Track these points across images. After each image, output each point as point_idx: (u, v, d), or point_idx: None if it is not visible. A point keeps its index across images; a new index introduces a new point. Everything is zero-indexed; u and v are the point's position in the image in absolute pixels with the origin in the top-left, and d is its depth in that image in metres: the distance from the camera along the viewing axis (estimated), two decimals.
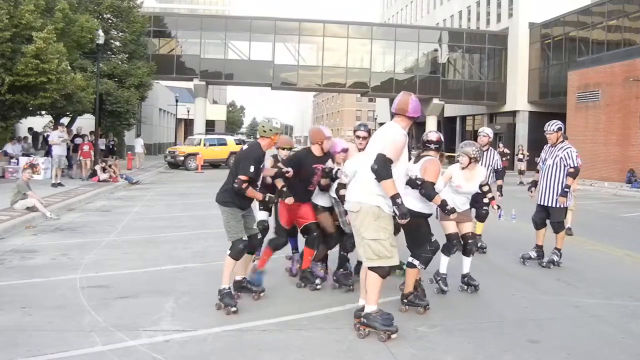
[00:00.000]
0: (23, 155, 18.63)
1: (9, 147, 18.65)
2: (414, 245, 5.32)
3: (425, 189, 5.04)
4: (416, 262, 5.30)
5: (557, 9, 33.58)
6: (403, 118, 4.78)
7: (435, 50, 39.94)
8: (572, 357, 4.35)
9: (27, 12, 16.12)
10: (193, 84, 37.40)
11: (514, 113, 37.58)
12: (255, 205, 6.03)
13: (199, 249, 8.05)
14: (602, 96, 26.33)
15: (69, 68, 18.08)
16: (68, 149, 18.14)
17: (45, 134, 21.50)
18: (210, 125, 52.06)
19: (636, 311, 5.60)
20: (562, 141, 7.44)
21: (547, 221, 7.49)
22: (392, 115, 4.88)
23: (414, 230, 5.19)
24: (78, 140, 19.44)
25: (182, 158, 27.63)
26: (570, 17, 33.24)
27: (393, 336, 4.55)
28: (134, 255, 7.56)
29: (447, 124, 45.13)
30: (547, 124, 7.53)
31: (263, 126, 5.40)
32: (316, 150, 6.05)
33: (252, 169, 5.16)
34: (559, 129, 7.41)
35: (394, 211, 4.52)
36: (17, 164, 17.40)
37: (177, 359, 4.11)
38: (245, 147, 5.52)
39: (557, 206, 7.31)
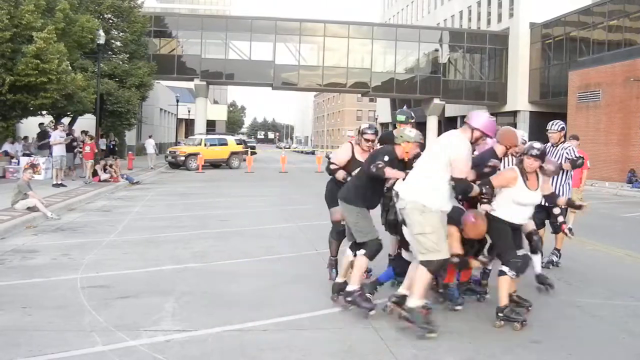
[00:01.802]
0: (24, 155, 18.63)
1: (8, 147, 18.64)
2: (500, 251, 5.11)
3: (458, 185, 4.80)
4: (506, 269, 4.99)
5: (558, 9, 33.58)
6: (466, 128, 4.91)
7: (436, 50, 39.95)
8: (573, 357, 4.35)
9: (27, 12, 16.13)
10: (194, 84, 37.45)
11: (514, 113, 37.58)
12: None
13: (200, 249, 8.04)
14: (602, 96, 26.32)
15: (70, 68, 18.09)
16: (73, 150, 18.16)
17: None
18: (211, 125, 52.13)
19: (637, 311, 5.59)
20: (564, 141, 7.43)
21: (547, 221, 7.47)
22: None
23: (496, 235, 5.06)
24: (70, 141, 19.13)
25: (182, 158, 27.64)
26: (571, 17, 33.24)
27: (431, 335, 4.57)
28: (134, 255, 7.55)
29: (447, 124, 45.06)
30: (551, 123, 7.45)
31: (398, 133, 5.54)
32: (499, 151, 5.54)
33: (386, 158, 5.14)
34: (562, 129, 7.39)
35: (482, 190, 4.91)
36: (18, 164, 17.40)
37: (178, 359, 4.10)
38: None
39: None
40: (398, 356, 4.23)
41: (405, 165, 5.41)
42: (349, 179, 5.81)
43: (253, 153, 36.31)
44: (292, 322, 4.94)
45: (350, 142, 6.17)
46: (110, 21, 26.97)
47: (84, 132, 20.03)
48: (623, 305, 5.77)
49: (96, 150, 18.39)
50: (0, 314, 4.95)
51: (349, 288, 5.23)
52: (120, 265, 6.93)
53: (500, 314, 4.95)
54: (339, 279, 5.62)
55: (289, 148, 75.56)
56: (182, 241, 8.62)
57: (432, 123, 39.38)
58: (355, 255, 5.38)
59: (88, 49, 21.13)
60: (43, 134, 19.35)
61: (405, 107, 6.77)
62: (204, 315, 5.06)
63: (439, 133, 42.63)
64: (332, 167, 6.10)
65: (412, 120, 6.14)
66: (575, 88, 28.40)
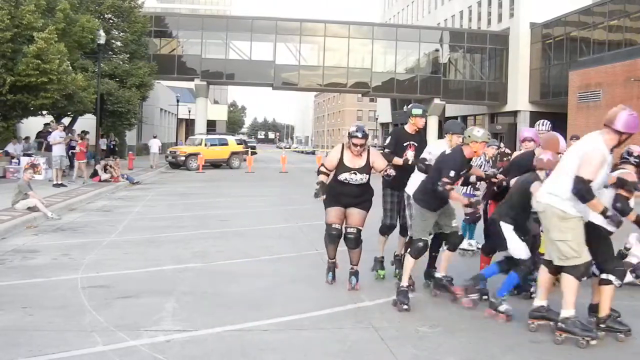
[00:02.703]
0: (24, 155, 18.62)
1: (10, 147, 18.64)
2: (602, 259, 4.89)
3: (621, 204, 4.70)
4: (612, 278, 4.84)
5: (558, 9, 33.56)
6: (609, 131, 4.65)
7: (437, 50, 39.94)
8: (573, 357, 4.35)
9: (28, 12, 16.14)
10: (194, 84, 37.44)
11: (515, 113, 37.57)
12: None
13: (200, 249, 8.05)
14: (603, 96, 26.30)
15: (70, 68, 18.10)
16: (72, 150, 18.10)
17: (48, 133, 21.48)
18: (211, 125, 52.09)
19: (637, 311, 5.59)
20: None
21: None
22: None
23: (599, 242, 4.85)
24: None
25: (183, 158, 27.65)
26: (571, 17, 33.23)
27: (592, 342, 4.48)
28: (135, 255, 7.55)
29: None
30: (539, 123, 6.93)
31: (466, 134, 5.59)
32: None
33: (452, 173, 5.25)
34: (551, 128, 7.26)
35: (609, 223, 4.61)
36: (19, 164, 17.40)
37: (178, 359, 4.10)
38: (448, 150, 5.68)
39: None
40: (398, 356, 4.23)
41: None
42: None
43: (253, 153, 36.30)
44: (293, 322, 4.94)
45: (342, 144, 5.99)
46: (111, 21, 26.97)
47: (71, 130, 19.58)
48: (624, 305, 5.75)
49: (85, 150, 17.85)
50: (1, 314, 4.96)
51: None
52: (121, 265, 6.93)
53: (602, 325, 4.77)
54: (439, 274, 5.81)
55: (289, 148, 75.55)
56: (183, 241, 8.62)
57: (432, 123, 39.34)
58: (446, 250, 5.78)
59: (88, 49, 21.13)
60: (43, 134, 19.19)
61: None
62: (205, 315, 5.06)
63: (439, 133, 42.73)
64: (322, 169, 5.91)
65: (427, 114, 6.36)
66: (575, 88, 28.39)
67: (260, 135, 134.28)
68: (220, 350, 4.27)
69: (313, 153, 62.00)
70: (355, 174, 5.77)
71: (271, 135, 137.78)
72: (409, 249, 5.56)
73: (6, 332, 4.50)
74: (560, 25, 34.46)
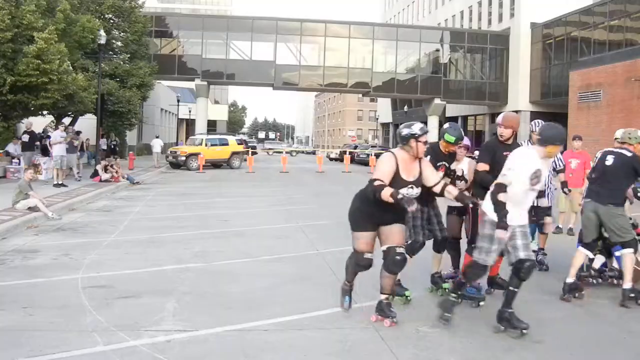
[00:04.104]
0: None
1: (11, 147, 18.62)
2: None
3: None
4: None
5: (559, 9, 33.56)
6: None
7: (437, 50, 39.94)
8: (574, 357, 4.35)
9: (28, 12, 16.16)
10: (195, 84, 37.46)
11: (515, 113, 37.55)
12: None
13: (201, 249, 8.05)
14: (603, 96, 26.29)
15: (71, 68, 18.12)
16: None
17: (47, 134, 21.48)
18: (211, 125, 52.12)
19: (638, 311, 5.59)
20: None
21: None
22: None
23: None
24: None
25: (183, 158, 27.65)
26: (572, 17, 33.23)
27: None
28: (135, 255, 7.56)
29: None
30: (534, 123, 6.63)
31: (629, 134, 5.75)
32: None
33: None
34: None
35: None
36: (19, 164, 17.41)
37: (179, 359, 4.10)
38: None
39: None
40: (398, 356, 4.23)
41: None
42: (413, 205, 4.57)
43: (254, 153, 36.31)
44: (293, 322, 4.94)
45: (392, 152, 4.92)
46: (111, 21, 27.00)
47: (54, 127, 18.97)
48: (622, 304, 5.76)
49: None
50: (1, 314, 4.96)
51: (626, 286, 5.69)
52: (121, 265, 6.93)
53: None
54: (570, 279, 5.89)
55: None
56: (183, 241, 8.62)
57: (432, 123, 39.34)
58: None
59: (89, 49, 21.16)
60: (34, 135, 18.39)
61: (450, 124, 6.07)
62: (205, 315, 5.06)
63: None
64: (377, 183, 4.69)
65: (462, 143, 5.71)
66: (576, 88, 28.38)
67: (261, 135, 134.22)
68: (220, 350, 4.27)
69: (313, 153, 61.93)
70: (413, 188, 4.86)
71: (272, 135, 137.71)
72: (631, 249, 5.70)
73: (7, 332, 4.51)
74: (560, 25, 34.45)
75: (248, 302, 5.47)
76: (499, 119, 5.90)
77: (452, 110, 43.80)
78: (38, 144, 18.60)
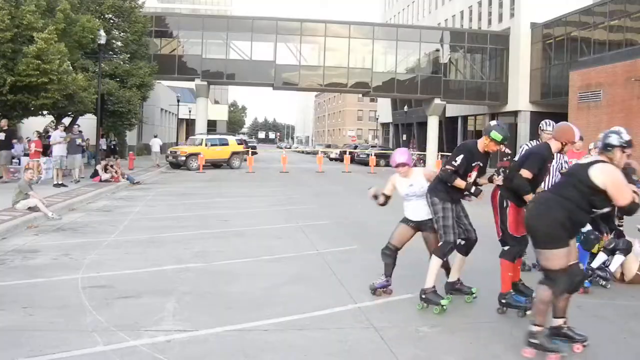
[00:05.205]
0: (25, 155, 18.60)
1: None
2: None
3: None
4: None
5: (559, 9, 33.54)
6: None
7: (437, 50, 39.91)
8: (574, 357, 4.35)
9: (28, 12, 16.15)
10: (195, 84, 37.42)
11: (515, 113, 37.54)
12: None
13: (201, 249, 8.05)
14: (603, 96, 26.29)
15: (71, 68, 18.10)
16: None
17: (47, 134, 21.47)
18: (211, 126, 52.12)
19: (638, 311, 5.59)
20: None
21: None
22: None
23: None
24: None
25: (183, 158, 27.65)
26: (572, 17, 33.21)
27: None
28: (135, 255, 7.56)
29: (448, 124, 45.14)
30: (545, 122, 6.80)
31: None
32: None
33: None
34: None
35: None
36: (19, 164, 17.40)
37: (179, 359, 4.11)
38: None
39: None
40: (399, 356, 4.23)
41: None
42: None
43: (254, 153, 36.31)
44: (293, 322, 4.94)
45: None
46: (111, 21, 26.98)
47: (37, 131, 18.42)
48: (624, 305, 5.76)
49: (40, 150, 16.74)
50: (2, 313, 4.96)
51: None
52: (121, 265, 6.93)
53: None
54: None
55: (290, 148, 75.53)
56: (183, 241, 8.62)
57: (433, 123, 39.38)
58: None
59: (89, 49, 21.14)
60: (10, 133, 17.21)
61: (497, 121, 5.78)
62: (205, 315, 5.07)
63: (440, 133, 42.79)
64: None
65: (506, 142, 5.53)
66: (576, 88, 28.38)
67: (261, 135, 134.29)
68: (220, 350, 4.28)
69: (315, 153, 61.86)
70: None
71: (272, 135, 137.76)
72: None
73: (7, 332, 4.51)
74: (560, 25, 34.44)
75: (248, 302, 5.47)
76: (556, 132, 5.41)
77: (452, 110, 43.78)
78: (15, 141, 18.19)
